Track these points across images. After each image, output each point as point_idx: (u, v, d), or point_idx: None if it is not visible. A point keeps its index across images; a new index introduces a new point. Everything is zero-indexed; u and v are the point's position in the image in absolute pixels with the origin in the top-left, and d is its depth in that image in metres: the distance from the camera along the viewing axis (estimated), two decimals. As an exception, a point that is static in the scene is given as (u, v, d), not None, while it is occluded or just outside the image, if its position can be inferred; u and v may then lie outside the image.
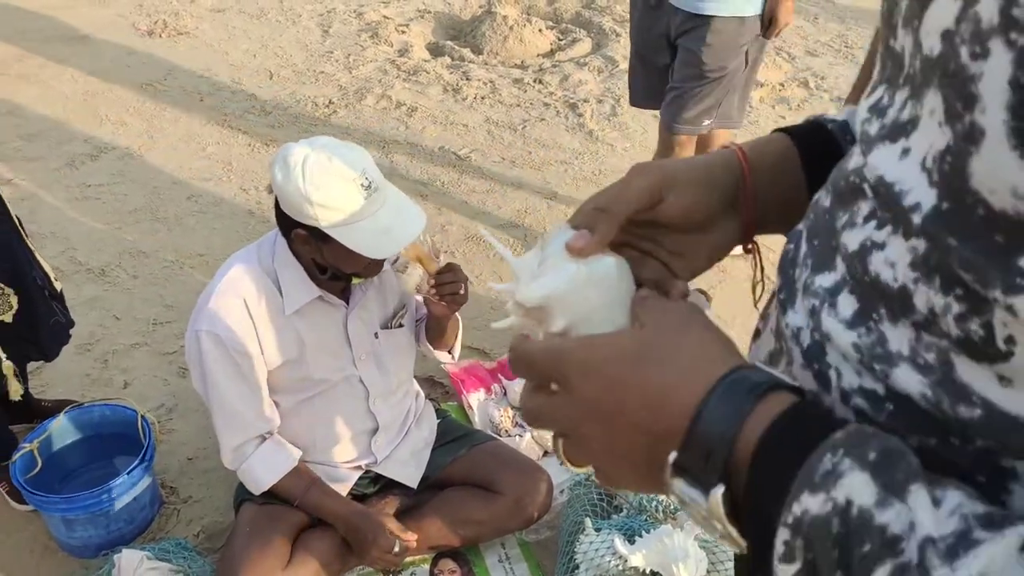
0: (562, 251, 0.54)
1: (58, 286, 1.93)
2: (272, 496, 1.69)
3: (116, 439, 1.95)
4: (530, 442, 2.11)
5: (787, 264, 0.54)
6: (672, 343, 0.46)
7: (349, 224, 1.42)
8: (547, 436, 2.11)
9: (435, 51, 4.71)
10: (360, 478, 1.82)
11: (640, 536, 1.65)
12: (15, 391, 1.81)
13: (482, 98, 4.12)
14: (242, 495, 1.75)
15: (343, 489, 1.77)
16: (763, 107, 4.12)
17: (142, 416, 1.86)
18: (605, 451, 0.47)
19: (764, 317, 0.60)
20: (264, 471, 1.65)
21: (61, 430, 1.89)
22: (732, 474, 0.42)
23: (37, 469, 1.81)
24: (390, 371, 1.76)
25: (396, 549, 1.65)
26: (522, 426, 2.22)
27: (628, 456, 0.46)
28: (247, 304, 1.55)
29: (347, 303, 1.66)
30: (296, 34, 4.69)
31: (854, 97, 2.01)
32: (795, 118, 4.03)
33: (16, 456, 1.79)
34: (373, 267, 1.55)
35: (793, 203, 0.58)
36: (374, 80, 4.22)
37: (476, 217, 3.19)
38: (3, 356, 1.76)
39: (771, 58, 4.51)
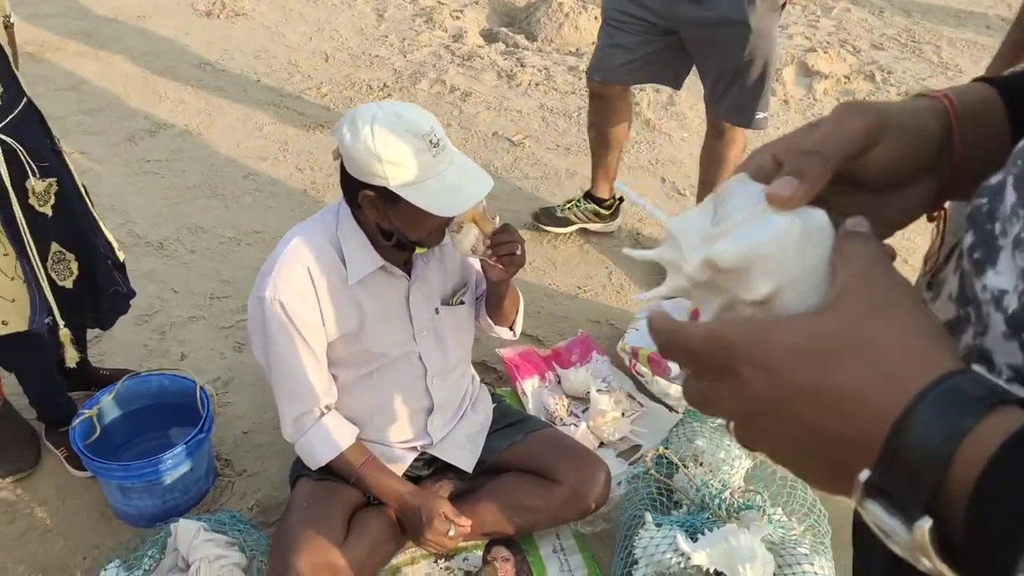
0: (752, 204, 0.46)
1: (121, 256, 1.94)
2: (328, 472, 1.67)
3: (173, 409, 1.95)
4: (585, 432, 2.07)
5: (982, 219, 0.47)
6: (872, 330, 0.38)
7: (417, 183, 1.40)
8: (603, 426, 2.07)
9: (489, 37, 4.67)
10: (415, 460, 1.79)
11: (703, 534, 1.60)
12: (71, 358, 1.82)
13: (536, 84, 4.07)
14: (298, 470, 1.74)
15: (398, 470, 1.75)
16: (827, 99, 4.00)
17: (201, 387, 1.85)
18: (782, 447, 0.42)
19: (935, 284, 0.53)
20: (322, 446, 1.63)
21: (120, 398, 1.90)
22: (941, 503, 0.35)
23: (96, 436, 1.82)
24: (449, 349, 1.74)
25: (451, 533, 1.62)
26: (576, 415, 2.18)
27: (808, 458, 0.41)
28: (310, 272, 1.53)
29: (409, 276, 1.63)
30: (351, 17, 4.69)
31: (1004, 61, 1.79)
32: (860, 111, 3.90)
33: (76, 422, 1.80)
34: (436, 234, 1.53)
35: (993, 158, 0.50)
36: (428, 65, 4.20)
37: (529, 203, 3.14)
38: (61, 323, 1.77)
39: (835, 50, 4.37)
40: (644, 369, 2.19)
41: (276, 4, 4.73)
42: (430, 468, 1.83)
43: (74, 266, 1.79)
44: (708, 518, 1.69)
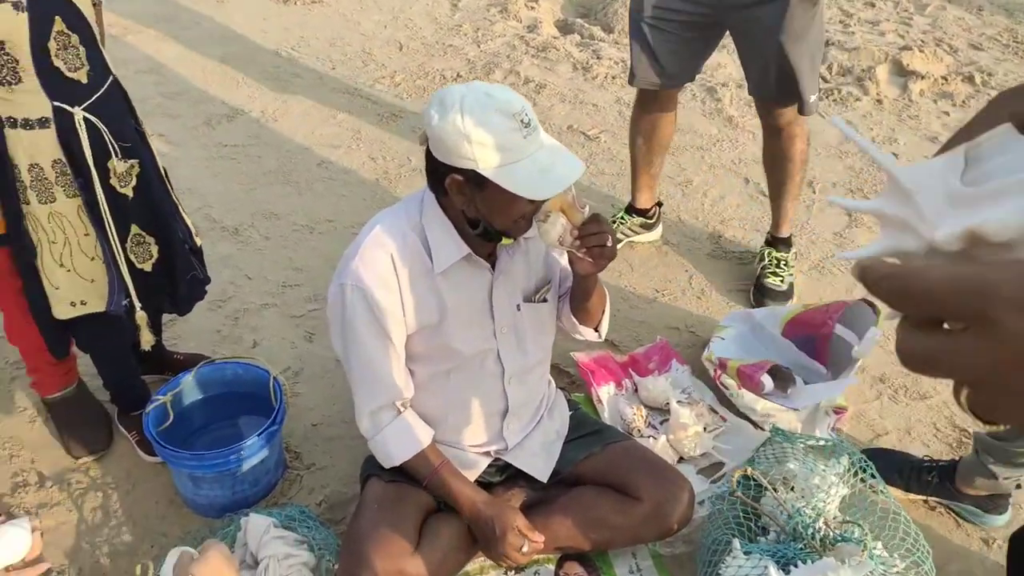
0: None
1: (198, 241, 1.92)
2: (400, 474, 1.62)
3: (244, 398, 1.93)
4: (664, 445, 1.96)
5: None
6: None
7: (507, 165, 1.33)
8: (684, 441, 1.96)
9: (564, 28, 4.57)
10: (487, 466, 1.72)
11: (795, 566, 1.48)
12: (147, 341, 1.81)
13: (613, 77, 3.96)
14: (369, 470, 1.68)
15: (471, 476, 1.68)
16: (924, 100, 3.78)
17: (274, 378, 1.82)
18: None
19: None
20: (398, 445, 1.58)
21: (193, 385, 1.88)
22: None
23: (168, 422, 1.80)
24: (528, 349, 1.66)
25: (524, 548, 1.54)
26: (655, 427, 2.07)
27: None
28: (393, 260, 1.48)
29: (493, 269, 1.56)
30: (426, 6, 4.65)
31: None
32: (960, 115, 3.68)
33: (150, 408, 1.78)
34: (524, 223, 1.45)
35: None
36: (502, 55, 4.13)
37: (604, 200, 3.05)
38: (138, 305, 1.75)
39: (931, 49, 4.14)
40: (730, 381, 2.08)
41: (352, -9, 4.72)
42: (502, 474, 1.75)
43: (153, 249, 1.78)
44: (801, 549, 1.57)
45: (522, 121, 1.33)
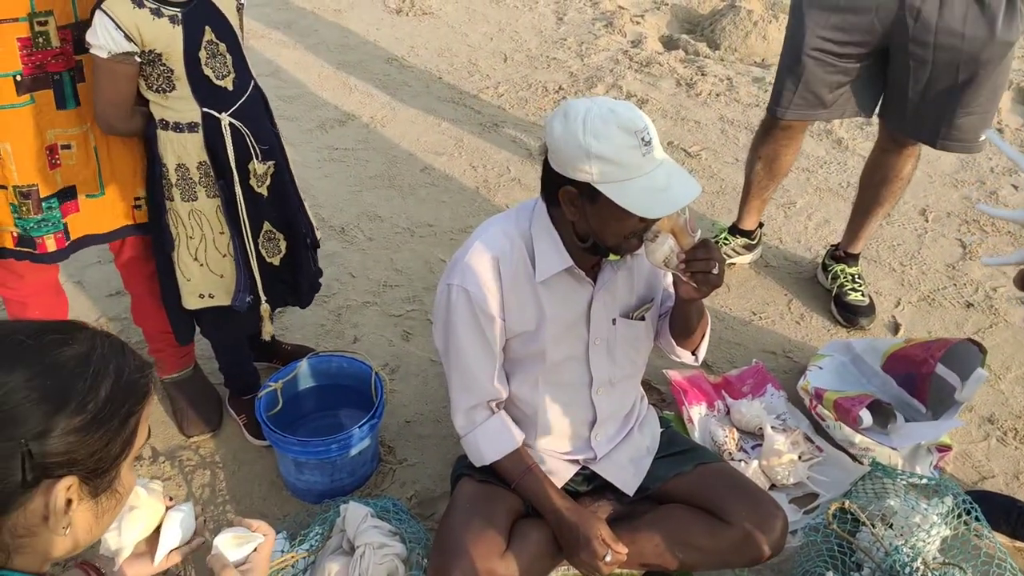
0: None
1: (319, 235, 2.02)
2: (491, 475, 1.66)
3: (346, 391, 2.01)
4: (756, 471, 1.93)
5: None
6: None
7: (623, 181, 1.34)
8: (777, 468, 1.92)
9: (669, 44, 4.56)
10: (574, 475, 1.74)
11: (892, 602, 1.44)
12: (268, 332, 1.91)
13: (717, 95, 3.92)
14: (461, 469, 1.73)
15: (558, 482, 1.70)
16: (1051, 131, 3.58)
17: (376, 373, 1.89)
18: None
19: None
20: (490, 445, 1.62)
21: (302, 375, 1.97)
22: None
23: (278, 408, 1.90)
24: (619, 362, 1.67)
25: (607, 559, 1.55)
26: (747, 451, 2.04)
27: None
28: (499, 265, 1.52)
29: (595, 283, 1.58)
30: (532, 19, 4.72)
31: None
32: (1092, 147, 3.46)
33: (262, 393, 1.89)
34: (633, 241, 1.46)
35: None
36: (605, 69, 4.15)
37: (701, 220, 3.02)
38: (263, 298, 1.86)
39: (1062, 76, 3.91)
40: (827, 412, 2.02)
41: (461, 4, 4.85)
42: (589, 485, 1.77)
43: (282, 244, 1.89)
44: (898, 587, 1.52)
45: (642, 139, 1.34)
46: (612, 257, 1.53)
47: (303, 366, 1.94)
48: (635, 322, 1.65)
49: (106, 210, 1.75)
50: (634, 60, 4.25)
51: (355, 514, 1.63)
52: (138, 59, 1.56)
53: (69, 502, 0.84)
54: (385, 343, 2.38)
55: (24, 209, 1.65)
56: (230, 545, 1.19)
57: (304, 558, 1.64)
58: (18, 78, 1.53)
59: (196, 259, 1.78)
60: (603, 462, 1.73)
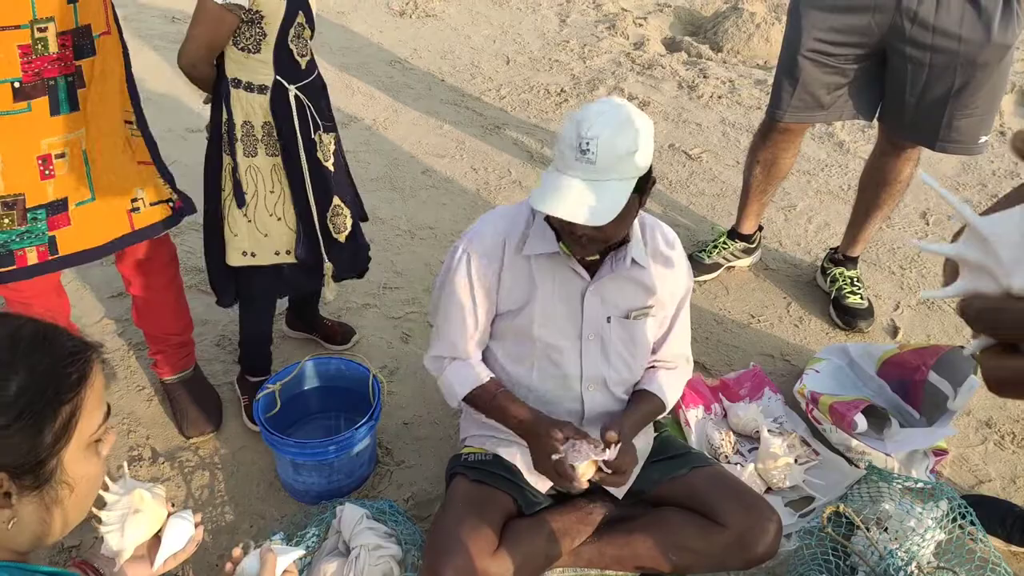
0: None
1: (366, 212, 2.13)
2: (484, 474, 1.67)
3: (344, 393, 2.02)
4: (752, 474, 1.93)
5: None
6: None
7: (552, 170, 1.46)
8: (773, 471, 1.93)
9: (671, 46, 4.56)
10: None
11: (885, 606, 1.44)
12: (332, 290, 2.00)
13: (719, 97, 3.92)
14: (454, 467, 1.74)
15: (545, 484, 1.71)
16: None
17: (374, 375, 1.90)
18: None
19: None
20: (459, 382, 1.68)
21: (301, 376, 1.98)
22: None
23: (276, 409, 1.91)
24: (612, 363, 1.68)
25: (555, 456, 1.52)
26: (743, 454, 2.05)
27: None
28: (506, 237, 1.61)
29: (591, 279, 1.62)
30: (535, 22, 4.73)
31: None
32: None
33: (260, 395, 1.90)
34: (571, 239, 1.50)
35: None
36: (607, 72, 4.16)
37: (701, 223, 3.02)
38: (326, 258, 1.95)
39: (1066, 79, 3.90)
40: (823, 416, 2.02)
41: (464, 6, 4.86)
42: None
43: (348, 221, 1.98)
44: (891, 591, 1.53)
45: (580, 147, 1.40)
46: (592, 257, 1.59)
47: (302, 368, 1.95)
48: (631, 322, 1.66)
49: (99, 217, 1.73)
50: (636, 62, 4.26)
51: (351, 515, 1.64)
52: (243, 16, 1.67)
53: (8, 495, 0.84)
54: (384, 345, 2.40)
55: (6, 221, 1.62)
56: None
57: (302, 558, 1.65)
58: (16, 85, 1.54)
59: (245, 215, 1.84)
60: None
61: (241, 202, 1.83)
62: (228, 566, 1.18)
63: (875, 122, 2.39)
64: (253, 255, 1.89)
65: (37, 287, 1.82)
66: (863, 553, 1.64)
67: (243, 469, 2.01)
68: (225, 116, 1.78)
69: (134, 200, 1.77)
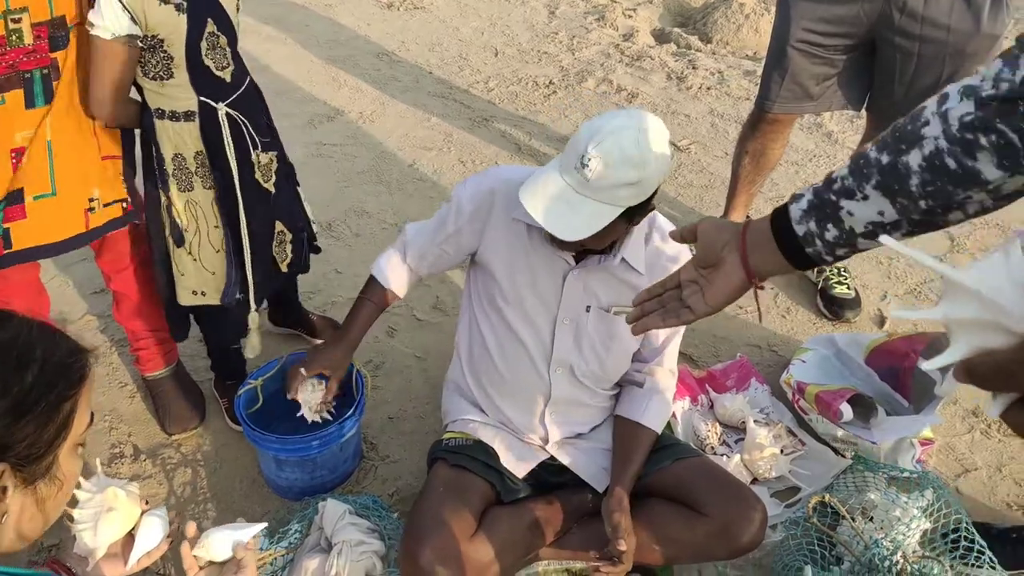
0: None
1: (315, 227, 2.08)
2: (464, 460, 1.67)
3: (328, 388, 2.00)
4: (738, 465, 1.93)
5: None
6: None
7: (552, 162, 1.46)
8: (759, 461, 1.92)
9: (661, 37, 4.54)
10: (548, 464, 1.74)
11: (870, 597, 1.44)
12: (253, 348, 1.96)
13: (708, 88, 3.90)
14: (436, 452, 1.74)
15: (526, 467, 1.72)
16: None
17: (358, 370, 1.88)
18: None
19: None
20: (382, 265, 1.78)
21: (283, 371, 1.96)
22: None
23: (258, 405, 1.89)
24: (585, 354, 1.68)
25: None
26: (729, 445, 2.04)
27: None
28: (495, 194, 1.63)
29: (575, 265, 1.62)
30: (524, 14, 4.71)
31: None
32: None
33: (241, 391, 1.88)
34: (547, 235, 1.50)
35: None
36: (596, 63, 4.14)
37: (690, 214, 3.01)
38: (253, 306, 1.88)
39: None
40: (809, 406, 2.02)
41: (452, -2, 4.84)
42: (561, 475, 1.76)
43: (289, 248, 1.91)
44: (876, 581, 1.52)
45: (583, 159, 1.37)
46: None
47: (283, 363, 1.93)
48: (609, 317, 1.65)
49: (58, 214, 1.68)
50: (625, 54, 4.23)
51: (333, 511, 1.63)
52: (140, 44, 1.57)
53: (4, 489, 0.84)
54: (370, 339, 2.37)
55: None
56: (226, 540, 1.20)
57: (283, 556, 1.64)
58: None
59: (190, 252, 1.78)
60: (566, 451, 1.74)
61: (179, 241, 1.75)
62: (185, 546, 1.18)
63: (863, 112, 2.38)
64: (203, 294, 1.82)
65: (18, 285, 1.80)
66: (848, 543, 1.63)
67: (226, 466, 1.99)
68: (153, 151, 1.68)
69: (91, 200, 1.72)
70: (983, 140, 0.81)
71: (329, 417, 1.77)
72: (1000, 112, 0.80)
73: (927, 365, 0.48)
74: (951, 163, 0.84)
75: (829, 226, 0.94)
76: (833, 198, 0.93)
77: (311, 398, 1.74)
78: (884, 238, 0.53)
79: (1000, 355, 0.43)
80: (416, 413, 2.15)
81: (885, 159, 0.89)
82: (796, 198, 0.98)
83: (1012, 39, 0.89)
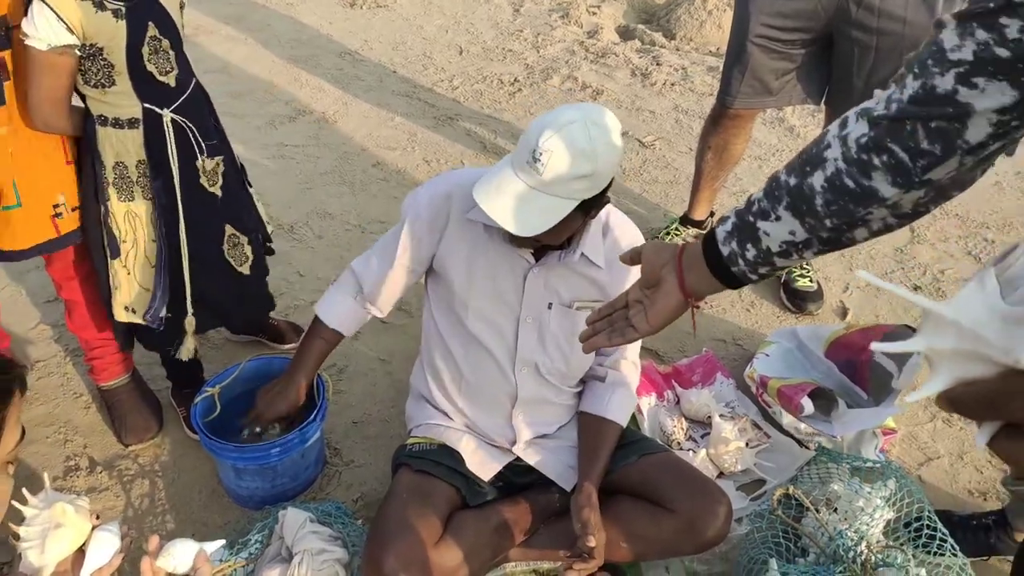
0: None
1: (269, 228, 2.02)
2: (430, 464, 1.65)
3: (289, 394, 1.96)
4: (704, 459, 1.93)
5: None
6: None
7: (504, 160, 1.45)
8: (725, 455, 1.92)
9: (625, 34, 4.55)
10: (515, 465, 1.72)
11: (834, 588, 1.44)
12: (187, 351, 1.87)
13: (672, 84, 3.91)
14: (400, 457, 1.71)
15: (493, 468, 1.71)
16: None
17: (318, 375, 1.85)
18: None
19: None
20: (327, 303, 1.76)
21: (241, 378, 1.92)
22: None
23: (215, 414, 1.85)
24: (549, 352, 1.67)
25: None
26: (695, 440, 2.04)
27: None
28: (451, 198, 1.60)
29: (535, 263, 1.61)
30: (488, 11, 4.68)
31: None
32: None
33: (198, 399, 1.84)
34: (505, 232, 1.49)
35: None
36: (561, 61, 4.13)
37: (655, 210, 3.01)
38: (190, 310, 1.80)
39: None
40: (771, 400, 2.02)
41: (416, -4, 4.80)
42: (529, 476, 1.75)
43: (248, 250, 1.85)
44: (841, 572, 1.52)
45: (534, 153, 1.37)
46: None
47: (241, 370, 1.89)
48: (574, 313, 1.64)
49: (22, 223, 1.64)
50: (590, 51, 4.23)
51: (293, 520, 1.60)
52: (78, 52, 1.51)
53: None
54: (333, 343, 2.34)
55: None
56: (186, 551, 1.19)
57: (243, 567, 1.61)
58: None
59: (125, 266, 1.73)
60: (532, 452, 1.73)
61: (115, 252, 1.70)
62: (146, 561, 1.15)
63: (823, 106, 2.40)
64: (135, 312, 1.76)
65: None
66: (813, 535, 1.64)
67: (184, 476, 1.95)
68: (93, 159, 1.63)
69: (56, 206, 1.69)
70: (876, 160, 0.86)
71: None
72: (890, 131, 0.84)
73: (911, 398, 0.48)
74: (850, 183, 0.89)
75: (749, 246, 0.99)
76: (751, 219, 0.99)
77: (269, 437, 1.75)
78: (862, 273, 0.56)
79: (982, 385, 0.45)
80: (381, 417, 2.12)
81: (793, 181, 0.94)
82: (723, 220, 1.04)
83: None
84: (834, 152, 0.90)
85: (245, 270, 1.86)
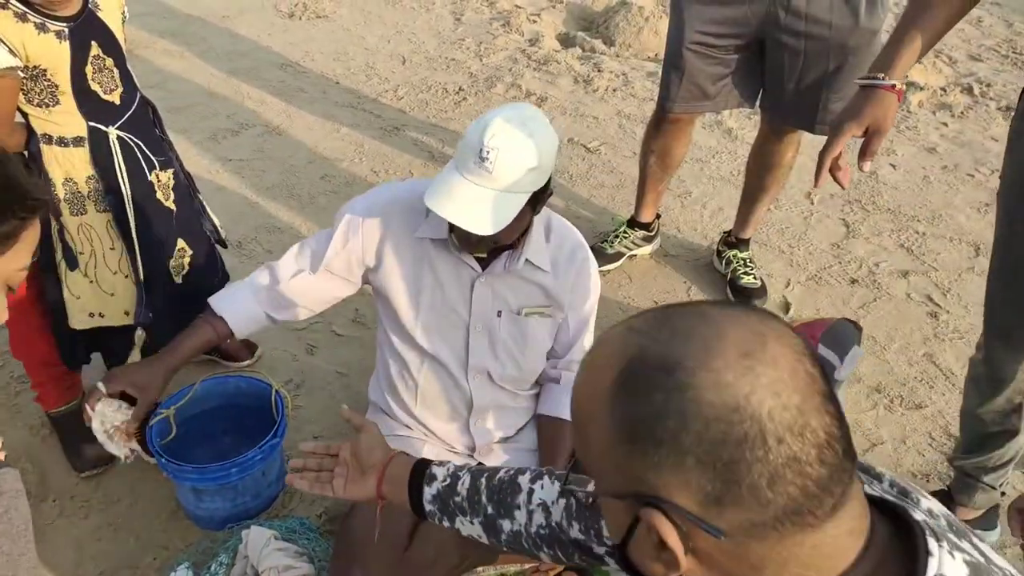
0: None
1: (223, 232, 2.03)
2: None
3: (247, 411, 1.94)
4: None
5: None
6: None
7: (450, 167, 1.47)
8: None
9: (566, 42, 4.61)
10: None
11: None
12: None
13: (614, 90, 3.99)
14: None
15: None
16: (923, 112, 3.80)
17: (276, 391, 1.84)
18: None
19: None
20: (225, 299, 1.68)
21: (196, 398, 1.90)
22: None
23: (172, 435, 1.82)
24: (501, 359, 1.69)
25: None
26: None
27: None
28: (391, 215, 1.61)
29: (482, 271, 1.63)
30: (429, 21, 4.70)
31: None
32: (958, 126, 3.70)
33: (153, 421, 1.81)
34: (460, 237, 1.52)
35: None
36: (504, 69, 4.17)
37: (602, 214, 3.07)
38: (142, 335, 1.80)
39: (930, 61, 4.16)
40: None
41: (356, 6, 4.78)
42: None
43: (186, 260, 1.86)
44: None
45: (481, 152, 1.40)
46: (478, 252, 1.60)
47: (197, 389, 1.87)
48: (523, 319, 1.67)
49: None
50: (532, 59, 4.28)
51: (257, 538, 1.59)
52: (21, 74, 1.50)
53: None
54: (289, 358, 2.33)
55: None
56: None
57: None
58: None
59: (86, 275, 1.72)
60: (494, 458, 1.75)
61: (73, 265, 1.69)
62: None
63: (758, 108, 2.49)
64: (101, 315, 1.76)
65: None
66: None
67: (143, 500, 1.91)
68: (41, 178, 1.62)
69: None
70: (546, 548, 1.09)
71: (136, 448, 1.61)
72: (555, 539, 1.07)
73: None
74: (526, 545, 1.11)
75: (445, 519, 1.17)
76: (452, 506, 1.16)
77: (109, 417, 1.53)
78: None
79: None
80: (342, 430, 2.11)
81: (490, 510, 1.13)
82: (431, 479, 1.18)
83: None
84: (521, 518, 1.10)
85: (178, 279, 1.86)
